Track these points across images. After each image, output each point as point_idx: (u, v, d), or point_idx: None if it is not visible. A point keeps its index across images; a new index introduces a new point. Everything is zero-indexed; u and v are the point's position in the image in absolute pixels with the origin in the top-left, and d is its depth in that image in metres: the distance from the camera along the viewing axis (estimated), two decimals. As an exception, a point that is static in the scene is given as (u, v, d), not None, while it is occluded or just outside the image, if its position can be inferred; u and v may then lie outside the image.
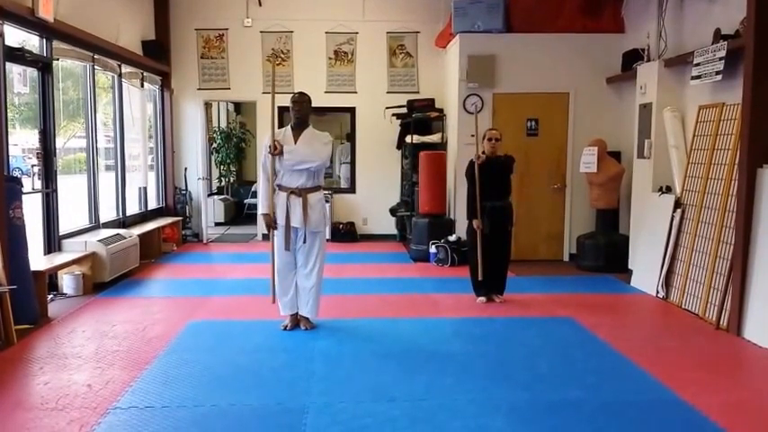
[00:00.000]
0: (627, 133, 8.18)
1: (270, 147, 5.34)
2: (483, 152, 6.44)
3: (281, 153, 5.32)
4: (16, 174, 6.63)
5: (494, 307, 6.43)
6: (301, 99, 5.48)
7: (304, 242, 5.46)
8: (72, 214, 7.62)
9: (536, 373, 4.56)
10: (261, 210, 5.61)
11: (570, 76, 8.72)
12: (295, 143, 5.40)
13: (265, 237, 9.53)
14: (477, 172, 6.31)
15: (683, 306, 6.37)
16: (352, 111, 10.78)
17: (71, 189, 7.79)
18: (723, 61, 5.96)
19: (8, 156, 5.96)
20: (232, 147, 13.28)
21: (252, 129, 12.21)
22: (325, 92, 10.49)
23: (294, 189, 5.38)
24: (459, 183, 8.69)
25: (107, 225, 8.25)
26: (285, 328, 5.57)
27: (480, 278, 6.47)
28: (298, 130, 5.47)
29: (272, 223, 5.43)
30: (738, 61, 5.84)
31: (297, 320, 5.62)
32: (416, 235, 8.96)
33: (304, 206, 5.36)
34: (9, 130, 6.11)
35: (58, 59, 7.04)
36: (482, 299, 6.54)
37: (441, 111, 9.91)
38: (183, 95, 10.62)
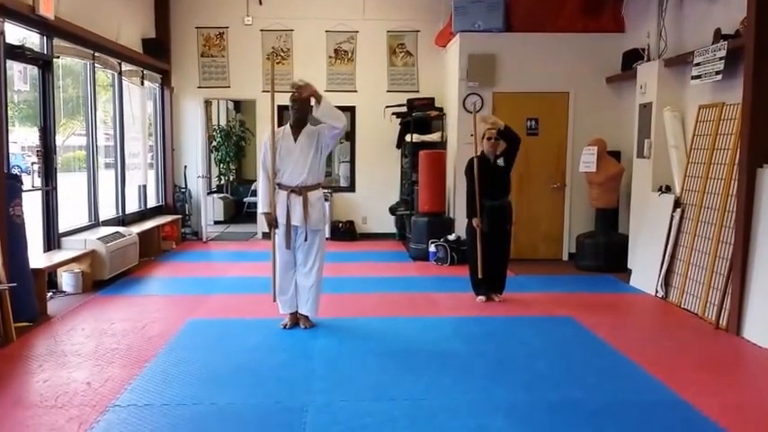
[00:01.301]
0: (627, 133, 8.18)
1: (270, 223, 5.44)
2: (482, 150, 6.46)
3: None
4: (15, 171, 6.61)
5: (493, 306, 6.43)
6: (301, 98, 5.49)
7: (305, 240, 5.46)
8: (71, 212, 7.61)
9: (536, 373, 4.56)
10: (262, 208, 5.60)
11: (570, 76, 8.72)
12: (294, 142, 5.41)
13: (265, 235, 9.56)
14: (477, 170, 6.32)
15: (682, 306, 6.38)
16: (351, 109, 10.76)
17: (70, 187, 7.78)
18: (723, 61, 5.95)
19: (8, 153, 5.95)
20: (232, 145, 13.30)
21: (251, 127, 12.22)
22: (325, 90, 10.44)
23: (294, 187, 5.39)
24: (458, 182, 8.69)
25: (106, 223, 8.25)
26: (285, 327, 5.57)
27: (480, 276, 6.47)
28: (297, 128, 5.47)
29: (273, 222, 5.43)
30: (738, 61, 5.83)
31: (296, 319, 5.62)
32: (416, 234, 8.96)
33: (304, 204, 5.37)
34: (8, 127, 6.10)
35: (58, 57, 7.03)
36: (481, 298, 6.54)
37: (440, 110, 9.91)
38: (183, 93, 10.61)
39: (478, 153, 6.44)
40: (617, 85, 8.63)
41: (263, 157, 5.53)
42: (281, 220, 5.41)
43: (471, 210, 6.41)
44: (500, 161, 6.45)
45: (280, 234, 5.47)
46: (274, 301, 5.60)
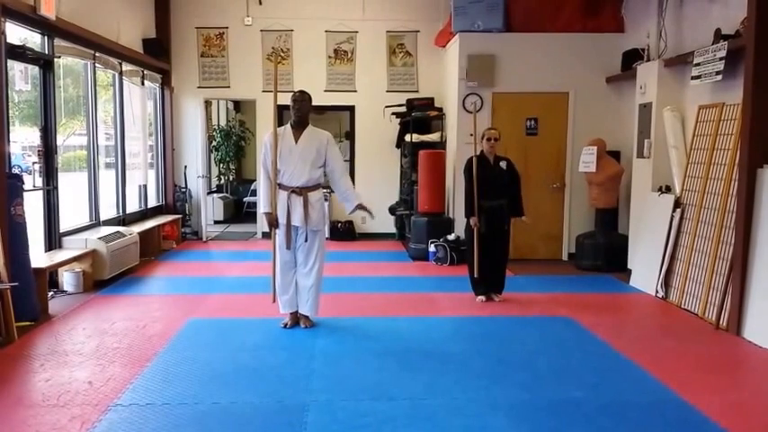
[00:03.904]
0: (626, 133, 8.19)
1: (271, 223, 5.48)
2: (482, 150, 6.47)
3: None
4: (15, 171, 6.61)
5: (493, 306, 6.44)
6: (301, 98, 5.48)
7: (305, 241, 5.47)
8: (72, 212, 7.62)
9: (535, 373, 4.57)
10: (262, 208, 5.61)
11: (570, 76, 8.73)
12: (296, 143, 5.42)
13: (265, 235, 9.59)
14: (476, 170, 6.33)
15: (682, 306, 6.39)
16: (351, 109, 10.79)
17: (71, 186, 7.79)
18: (723, 61, 5.97)
19: (9, 153, 5.96)
20: (231, 145, 13.30)
21: (251, 127, 12.22)
22: (325, 90, 10.50)
23: (295, 188, 5.40)
24: (458, 182, 8.70)
25: (107, 223, 8.26)
26: (285, 326, 5.58)
27: (476, 275, 6.47)
28: (298, 129, 5.47)
29: (274, 222, 5.44)
30: (738, 61, 5.85)
31: (296, 319, 5.63)
32: (415, 234, 8.97)
33: (305, 205, 5.38)
34: (9, 127, 6.10)
35: (59, 57, 7.03)
36: (481, 298, 6.55)
37: (440, 110, 9.92)
38: (184, 93, 10.62)
39: (477, 153, 6.45)
40: (617, 85, 8.64)
41: (263, 157, 5.54)
42: (282, 220, 5.42)
43: (469, 209, 6.42)
44: (502, 164, 6.46)
45: (280, 234, 5.48)
46: (274, 301, 5.61)
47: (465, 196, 6.49)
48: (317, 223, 5.49)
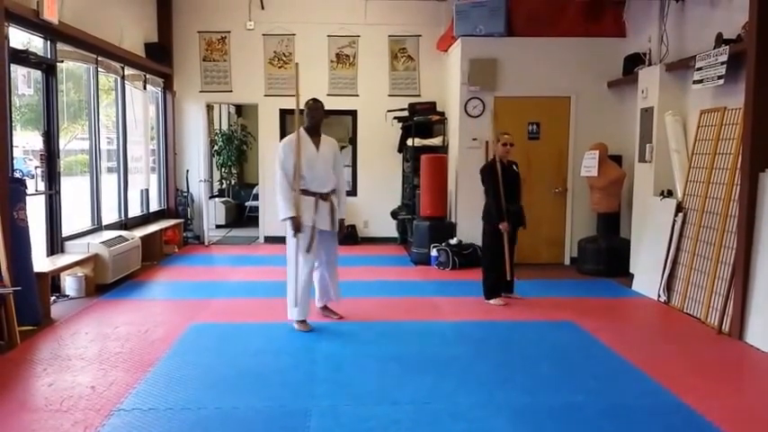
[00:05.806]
0: (628, 137, 8.19)
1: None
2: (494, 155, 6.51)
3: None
4: (17, 175, 6.62)
5: (495, 310, 6.44)
6: (316, 106, 5.65)
7: (326, 240, 5.71)
8: (74, 216, 7.62)
9: (538, 377, 4.57)
10: (286, 213, 5.51)
11: (572, 80, 8.73)
12: (317, 150, 5.59)
13: (267, 239, 9.60)
14: (500, 175, 6.38)
15: (684, 310, 6.38)
16: (353, 114, 10.79)
17: (73, 190, 7.79)
18: (725, 66, 5.97)
19: (12, 157, 5.97)
20: (233, 149, 13.30)
21: (253, 131, 12.23)
22: (327, 95, 10.47)
23: (323, 194, 5.57)
24: (460, 186, 8.72)
25: (109, 227, 8.26)
26: (308, 331, 5.62)
27: (509, 278, 6.63)
28: (314, 136, 5.64)
29: (299, 226, 5.49)
30: (740, 65, 5.85)
31: (327, 311, 5.94)
32: (417, 238, 8.97)
33: (331, 210, 5.58)
34: (12, 131, 6.11)
35: (62, 61, 7.05)
36: (498, 300, 6.59)
37: (442, 114, 9.93)
38: (186, 98, 10.64)
39: (491, 158, 6.49)
40: (618, 89, 8.65)
41: (282, 162, 5.55)
42: (308, 223, 5.53)
43: (498, 214, 6.44)
44: (515, 167, 6.52)
45: (304, 238, 5.55)
46: (296, 305, 5.61)
47: (493, 201, 6.49)
48: (337, 225, 5.73)
